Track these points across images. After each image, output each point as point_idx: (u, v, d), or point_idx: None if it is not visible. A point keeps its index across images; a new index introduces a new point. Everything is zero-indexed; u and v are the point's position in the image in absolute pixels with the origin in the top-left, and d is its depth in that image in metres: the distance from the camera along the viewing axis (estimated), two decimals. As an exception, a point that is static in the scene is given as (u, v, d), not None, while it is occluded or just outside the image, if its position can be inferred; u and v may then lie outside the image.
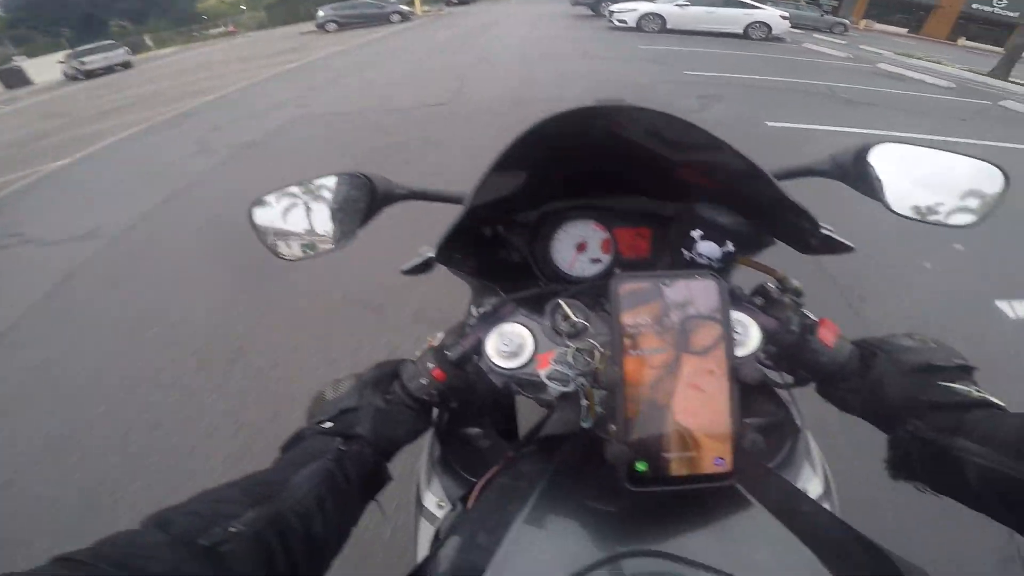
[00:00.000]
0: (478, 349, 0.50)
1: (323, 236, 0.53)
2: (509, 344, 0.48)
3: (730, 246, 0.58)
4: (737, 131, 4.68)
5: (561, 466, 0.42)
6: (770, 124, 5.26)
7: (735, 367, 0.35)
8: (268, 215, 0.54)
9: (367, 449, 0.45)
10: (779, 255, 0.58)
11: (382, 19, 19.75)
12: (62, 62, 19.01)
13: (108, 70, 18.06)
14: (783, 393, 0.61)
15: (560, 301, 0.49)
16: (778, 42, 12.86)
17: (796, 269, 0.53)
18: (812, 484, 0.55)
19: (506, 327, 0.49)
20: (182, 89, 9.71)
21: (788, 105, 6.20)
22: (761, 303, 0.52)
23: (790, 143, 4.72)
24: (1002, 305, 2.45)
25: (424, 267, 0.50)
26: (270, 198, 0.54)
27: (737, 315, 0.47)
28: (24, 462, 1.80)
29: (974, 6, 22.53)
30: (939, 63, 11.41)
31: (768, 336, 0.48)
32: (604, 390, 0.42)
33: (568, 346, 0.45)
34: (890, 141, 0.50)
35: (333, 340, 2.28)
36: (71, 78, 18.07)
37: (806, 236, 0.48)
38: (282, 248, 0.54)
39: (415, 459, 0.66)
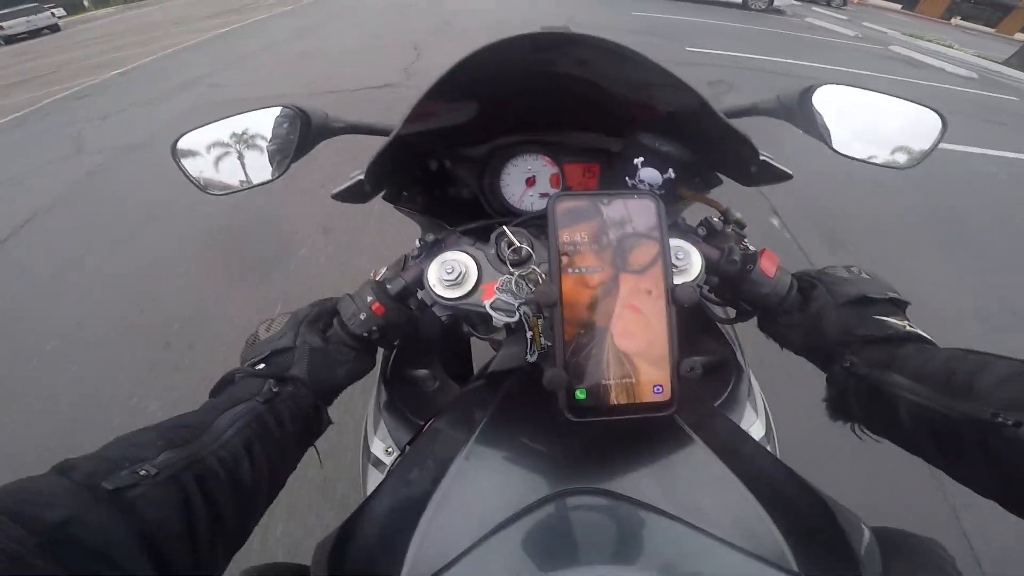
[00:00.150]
0: (420, 282, 0.47)
1: (254, 170, 0.52)
2: (452, 272, 0.45)
3: (671, 173, 0.56)
4: (772, 142, 3.73)
5: (504, 402, 0.41)
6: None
7: (672, 288, 0.35)
8: (194, 149, 0.52)
9: (303, 391, 0.44)
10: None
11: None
12: (-21, 27, 17.05)
13: (34, 34, 16.08)
14: (727, 333, 0.64)
15: (505, 228, 0.46)
16: (778, 14, 11.96)
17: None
18: (755, 426, 0.56)
19: (449, 255, 0.47)
20: (98, 59, 8.17)
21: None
22: (704, 234, 0.52)
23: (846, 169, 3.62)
24: None
25: (357, 193, 0.48)
26: (195, 133, 0.52)
27: (679, 243, 0.47)
28: None
29: (970, -15, 21.83)
30: (951, 47, 10.49)
31: (710, 266, 0.48)
32: (544, 317, 0.41)
33: (512, 273, 0.44)
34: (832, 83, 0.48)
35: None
36: (-10, 44, 15.99)
37: (747, 166, 0.48)
38: (209, 182, 0.53)
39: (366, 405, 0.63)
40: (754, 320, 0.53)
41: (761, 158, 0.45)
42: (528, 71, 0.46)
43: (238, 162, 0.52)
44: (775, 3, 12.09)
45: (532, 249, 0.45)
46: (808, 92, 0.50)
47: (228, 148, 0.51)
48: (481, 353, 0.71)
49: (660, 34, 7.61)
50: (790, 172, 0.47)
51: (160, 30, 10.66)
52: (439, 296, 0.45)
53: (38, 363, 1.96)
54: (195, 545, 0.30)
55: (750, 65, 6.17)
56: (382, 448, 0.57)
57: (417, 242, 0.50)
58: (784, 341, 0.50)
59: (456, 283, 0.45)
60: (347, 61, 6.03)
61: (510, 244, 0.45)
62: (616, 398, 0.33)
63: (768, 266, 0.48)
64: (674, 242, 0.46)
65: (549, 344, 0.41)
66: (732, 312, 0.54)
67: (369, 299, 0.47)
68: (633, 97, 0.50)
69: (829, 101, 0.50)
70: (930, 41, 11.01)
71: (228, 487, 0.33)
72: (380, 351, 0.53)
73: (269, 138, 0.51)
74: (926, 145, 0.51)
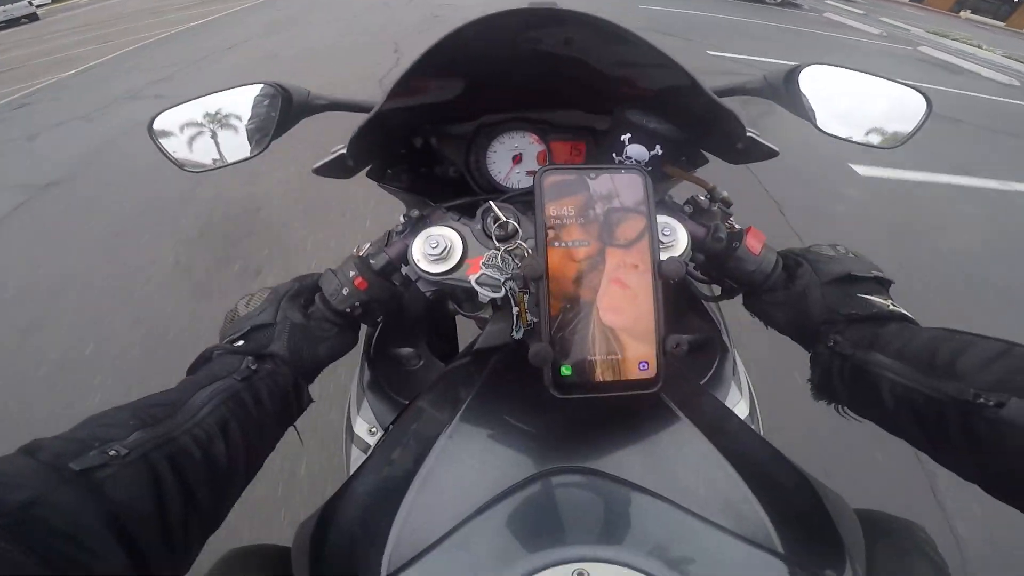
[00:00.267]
0: (405, 257, 0.47)
1: (232, 147, 0.52)
2: (436, 247, 0.45)
3: (658, 149, 0.57)
4: (814, 183, 3.20)
5: (489, 380, 0.41)
6: (861, 172, 3.35)
7: (659, 263, 0.34)
8: (171, 127, 0.52)
9: (283, 368, 0.43)
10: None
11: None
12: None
13: (11, 23, 15.50)
14: (712, 311, 0.64)
15: (492, 203, 0.46)
16: (795, 8, 11.39)
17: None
18: (740, 405, 0.56)
19: (433, 230, 0.47)
20: (59, 54, 7.62)
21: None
22: (691, 212, 0.52)
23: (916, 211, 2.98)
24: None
25: (339, 167, 0.48)
26: (173, 110, 0.52)
27: (666, 219, 0.47)
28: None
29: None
30: (979, 47, 9.76)
31: (696, 243, 0.48)
32: (531, 292, 0.41)
33: (499, 248, 0.43)
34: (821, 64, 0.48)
35: None
36: (-34, 35, 15.49)
37: (734, 143, 0.48)
38: (186, 160, 0.52)
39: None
40: (739, 301, 0.54)
41: (748, 134, 0.46)
42: (515, 49, 0.45)
43: (213, 140, 0.51)
44: (791, -4, 11.44)
45: (519, 224, 0.44)
46: (795, 71, 0.50)
47: (204, 126, 0.51)
48: (466, 332, 0.72)
49: (675, 33, 6.86)
50: (776, 149, 0.47)
51: (132, 22, 10.08)
52: (423, 271, 0.45)
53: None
54: (167, 526, 0.30)
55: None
56: (365, 428, 0.57)
57: (401, 218, 0.50)
58: (769, 319, 0.50)
59: (441, 258, 0.45)
60: (319, 63, 5.47)
61: (496, 219, 0.44)
62: (602, 374, 0.33)
63: (754, 244, 0.48)
64: (661, 219, 0.46)
65: (535, 320, 0.40)
66: (718, 290, 0.55)
67: (352, 274, 0.46)
68: (621, 75, 0.50)
69: (816, 80, 0.50)
70: (956, 40, 10.18)
71: (202, 467, 0.33)
72: (363, 329, 0.54)
73: (249, 116, 0.51)
74: (910, 126, 0.52)
